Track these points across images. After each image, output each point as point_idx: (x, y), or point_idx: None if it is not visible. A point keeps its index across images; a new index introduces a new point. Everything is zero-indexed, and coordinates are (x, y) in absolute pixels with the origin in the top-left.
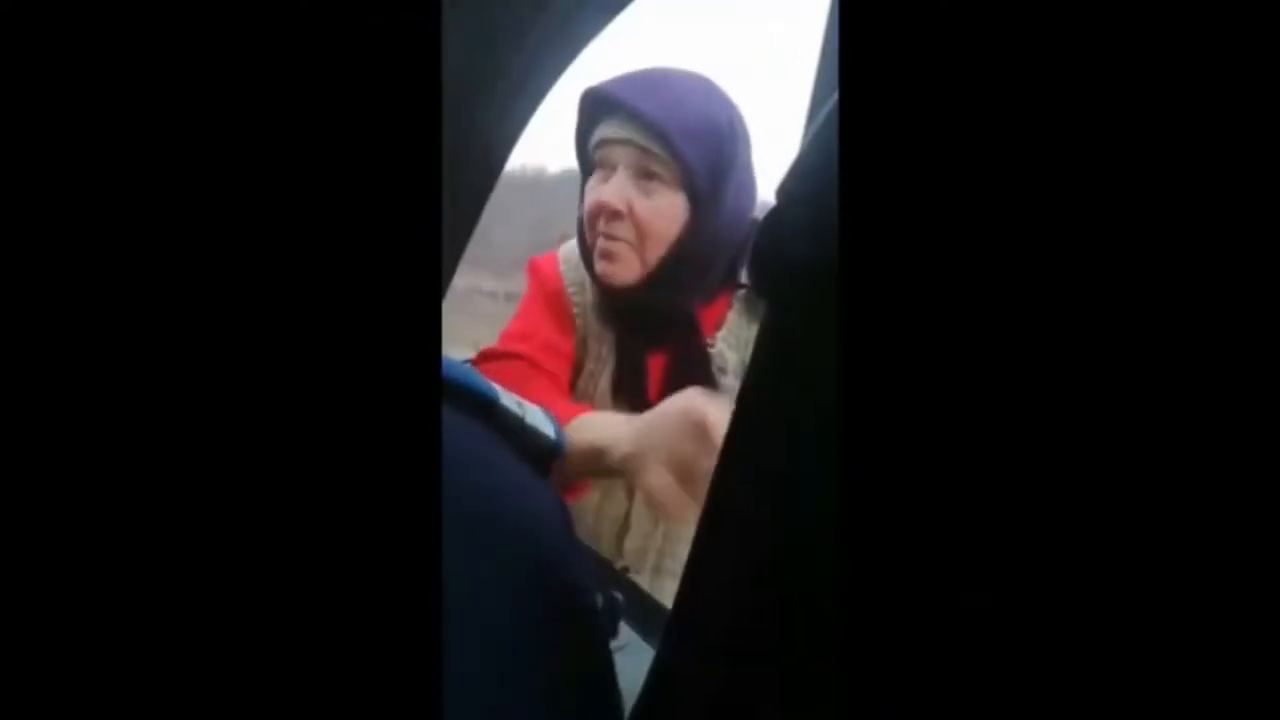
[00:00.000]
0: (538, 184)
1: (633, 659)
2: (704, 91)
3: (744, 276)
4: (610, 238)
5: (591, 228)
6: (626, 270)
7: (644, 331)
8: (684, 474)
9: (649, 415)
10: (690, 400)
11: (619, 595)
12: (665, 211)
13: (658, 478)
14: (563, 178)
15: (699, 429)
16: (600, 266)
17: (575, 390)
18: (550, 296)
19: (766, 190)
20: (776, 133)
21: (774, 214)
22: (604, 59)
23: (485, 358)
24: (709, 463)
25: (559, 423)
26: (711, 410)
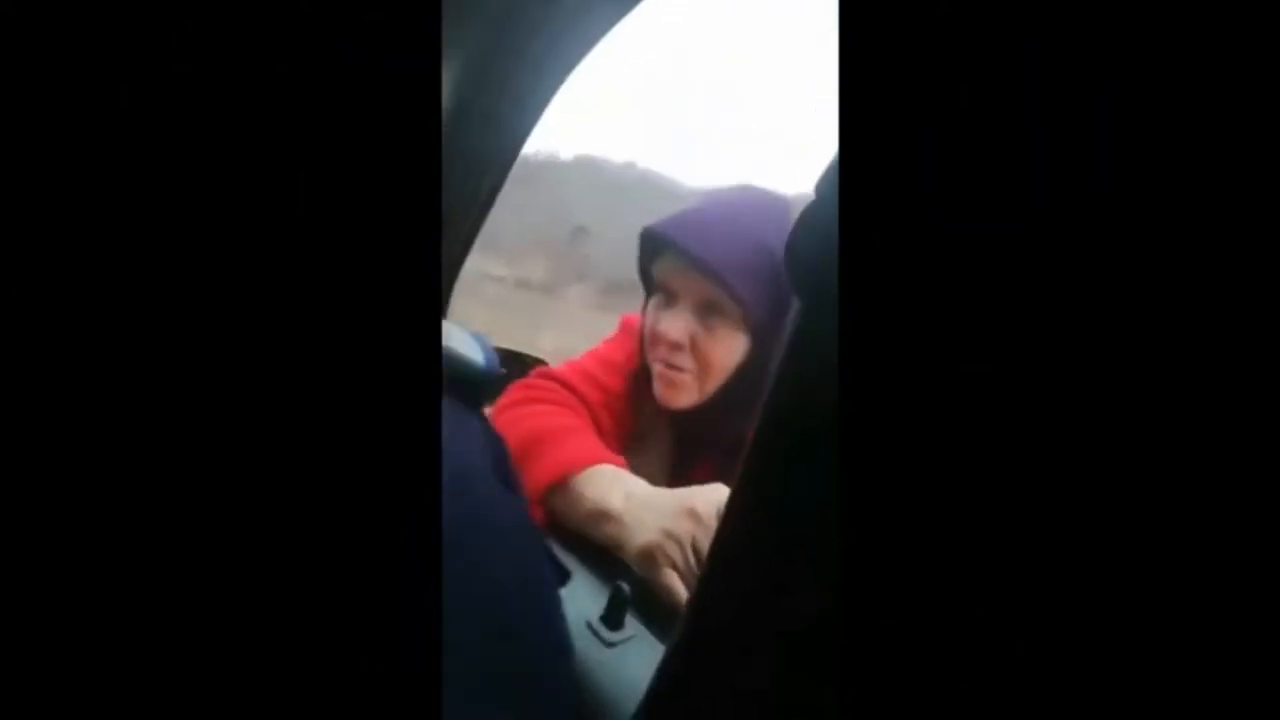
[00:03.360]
0: (549, 170)
1: (638, 650)
2: (755, 217)
3: None
4: (671, 366)
5: (652, 350)
6: (685, 397)
7: (696, 441)
8: (676, 542)
9: (649, 496)
10: (690, 490)
11: (625, 585)
12: (727, 346)
13: (647, 539)
14: (575, 164)
15: (691, 512)
16: (658, 389)
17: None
18: (630, 363)
19: (792, 185)
20: (806, 126)
21: (811, 209)
22: (619, 48)
23: (544, 375)
24: (701, 539)
25: (570, 465)
26: (700, 497)
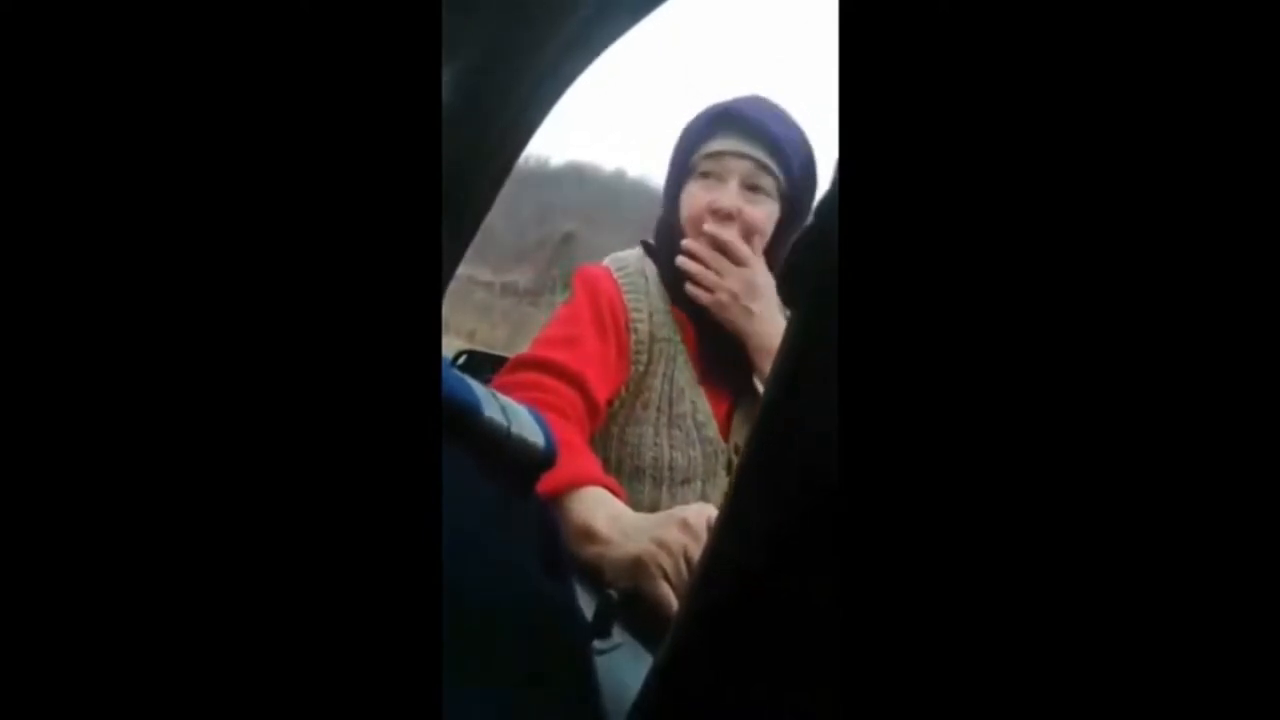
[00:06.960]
0: (539, 176)
1: (625, 659)
2: (778, 108)
3: None
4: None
5: (694, 229)
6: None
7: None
8: (668, 552)
9: (634, 518)
10: (679, 507)
11: (614, 593)
12: (765, 210)
13: (639, 549)
14: (565, 170)
15: (683, 523)
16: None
17: (610, 409)
18: (605, 310)
19: None
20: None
21: (811, 229)
22: (611, 55)
23: (522, 365)
24: (694, 550)
25: (571, 479)
26: (690, 511)
